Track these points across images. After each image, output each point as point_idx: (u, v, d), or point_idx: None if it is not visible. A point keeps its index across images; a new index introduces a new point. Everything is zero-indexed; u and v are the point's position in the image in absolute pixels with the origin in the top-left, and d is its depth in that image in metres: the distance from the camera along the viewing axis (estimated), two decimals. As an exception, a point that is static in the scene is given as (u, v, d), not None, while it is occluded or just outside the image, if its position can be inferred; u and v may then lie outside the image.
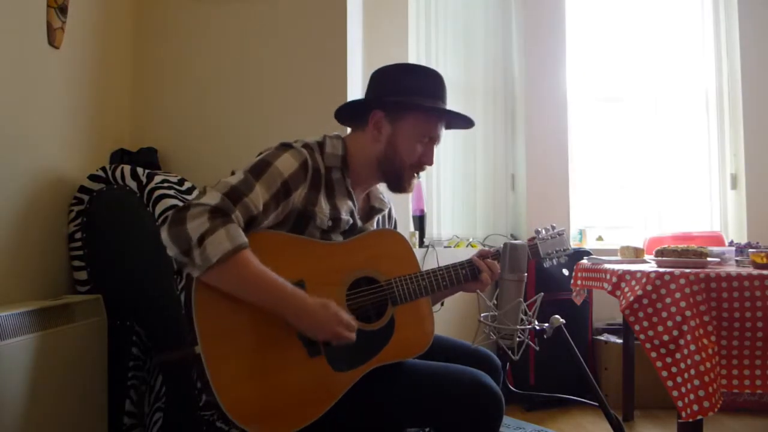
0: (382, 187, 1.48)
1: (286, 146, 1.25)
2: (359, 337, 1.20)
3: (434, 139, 1.35)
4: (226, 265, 1.07)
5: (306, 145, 1.28)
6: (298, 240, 1.24)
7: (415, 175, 1.37)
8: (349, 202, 1.33)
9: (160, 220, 1.65)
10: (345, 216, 1.30)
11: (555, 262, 1.50)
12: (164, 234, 1.08)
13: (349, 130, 1.49)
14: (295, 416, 1.12)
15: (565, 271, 2.78)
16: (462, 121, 1.41)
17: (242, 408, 1.07)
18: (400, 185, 1.36)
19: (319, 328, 1.13)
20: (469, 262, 1.38)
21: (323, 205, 1.27)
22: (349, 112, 1.41)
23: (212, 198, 1.11)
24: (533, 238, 1.49)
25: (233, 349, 1.10)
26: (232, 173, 1.20)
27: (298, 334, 1.16)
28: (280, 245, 1.20)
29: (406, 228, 2.80)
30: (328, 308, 1.14)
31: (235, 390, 1.08)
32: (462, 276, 1.37)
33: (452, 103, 1.40)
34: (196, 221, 1.07)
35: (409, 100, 1.31)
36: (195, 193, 1.85)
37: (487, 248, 1.44)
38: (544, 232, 1.49)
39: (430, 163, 1.36)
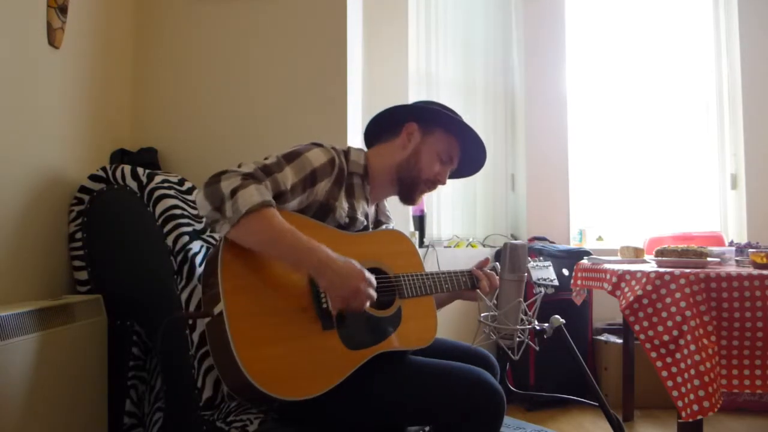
0: (388, 204, 1.61)
1: (316, 144, 1.35)
2: (369, 321, 1.26)
3: (452, 161, 1.47)
4: (255, 216, 1.13)
5: (333, 147, 1.37)
6: (317, 224, 1.30)
7: (427, 191, 1.48)
8: (365, 206, 1.42)
9: (161, 220, 1.65)
10: (361, 217, 1.38)
11: (543, 291, 1.58)
12: (200, 194, 1.15)
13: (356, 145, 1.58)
14: (303, 384, 1.13)
15: (565, 271, 2.79)
16: (467, 167, 1.55)
17: (257, 365, 1.09)
18: (410, 196, 1.47)
19: (342, 282, 1.15)
20: (469, 272, 1.49)
21: (343, 202, 1.35)
22: (381, 125, 1.51)
23: (247, 168, 1.20)
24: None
25: (254, 309, 1.13)
26: (266, 158, 1.28)
27: (314, 307, 1.19)
28: (301, 226, 1.23)
29: (406, 228, 2.81)
30: (352, 264, 1.17)
31: (252, 347, 1.09)
32: (462, 283, 1.47)
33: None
34: (230, 180, 1.15)
35: (442, 113, 1.43)
36: (195, 193, 1.85)
37: (484, 259, 1.54)
38: (533, 263, 1.63)
39: (444, 182, 1.48)
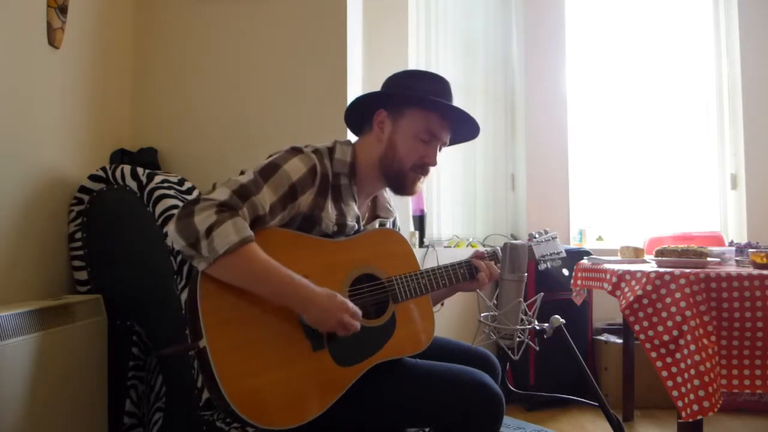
0: (389, 195, 1.49)
1: (296, 150, 1.26)
2: (362, 333, 1.21)
3: (436, 137, 1.34)
4: (233, 256, 1.08)
5: (316, 151, 1.29)
6: (301, 237, 1.25)
7: (420, 177, 1.36)
8: (355, 208, 1.34)
9: (160, 220, 1.65)
10: (351, 222, 1.32)
11: (549, 266, 1.55)
12: (171, 227, 1.09)
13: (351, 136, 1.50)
14: (298, 410, 1.12)
15: (565, 271, 2.78)
16: (465, 130, 1.42)
17: (246, 399, 1.07)
18: (402, 187, 1.36)
19: (326, 317, 1.13)
20: (467, 262, 1.42)
21: (330, 210, 1.28)
22: (358, 117, 1.41)
23: (221, 194, 1.13)
24: (529, 240, 1.53)
25: (238, 341, 1.10)
26: (242, 173, 1.22)
27: (302, 328, 1.16)
28: (284, 241, 1.21)
29: (406, 228, 2.80)
30: (334, 297, 1.15)
31: (239, 381, 1.07)
32: (460, 275, 1.40)
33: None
34: (204, 214, 1.09)
35: (406, 92, 1.32)
36: (195, 193, 1.85)
37: (483, 249, 1.46)
38: (538, 236, 1.55)
39: (433, 162, 1.35)
